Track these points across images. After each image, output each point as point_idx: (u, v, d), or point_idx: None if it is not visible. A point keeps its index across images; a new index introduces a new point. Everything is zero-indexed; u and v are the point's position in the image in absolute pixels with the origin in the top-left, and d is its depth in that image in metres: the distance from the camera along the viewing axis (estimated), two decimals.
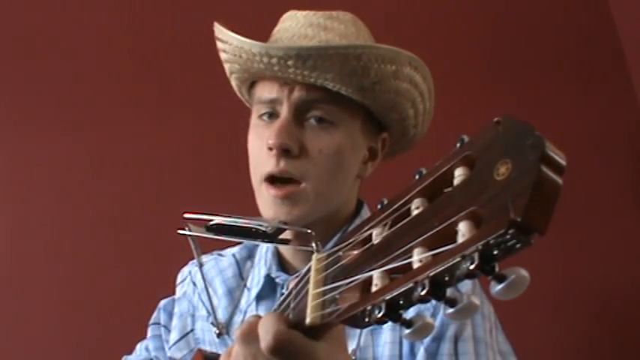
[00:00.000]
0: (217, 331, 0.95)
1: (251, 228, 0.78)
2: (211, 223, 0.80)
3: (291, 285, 0.67)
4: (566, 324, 1.70)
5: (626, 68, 1.87)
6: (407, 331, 0.44)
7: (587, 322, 1.72)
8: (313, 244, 0.69)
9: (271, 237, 0.79)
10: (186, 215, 0.84)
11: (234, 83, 1.00)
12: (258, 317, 0.60)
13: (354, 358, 0.80)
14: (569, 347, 1.69)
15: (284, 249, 0.98)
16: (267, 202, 0.89)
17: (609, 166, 1.81)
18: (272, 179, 0.88)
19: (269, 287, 0.97)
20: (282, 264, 0.98)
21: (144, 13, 1.82)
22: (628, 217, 1.80)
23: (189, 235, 0.84)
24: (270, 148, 0.87)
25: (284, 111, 0.88)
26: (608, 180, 1.80)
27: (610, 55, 1.89)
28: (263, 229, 0.78)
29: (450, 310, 0.41)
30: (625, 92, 1.86)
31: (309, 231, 0.74)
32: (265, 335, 0.56)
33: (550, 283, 1.63)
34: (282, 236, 0.82)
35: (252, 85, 0.96)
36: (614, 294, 1.75)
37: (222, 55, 0.94)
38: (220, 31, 0.91)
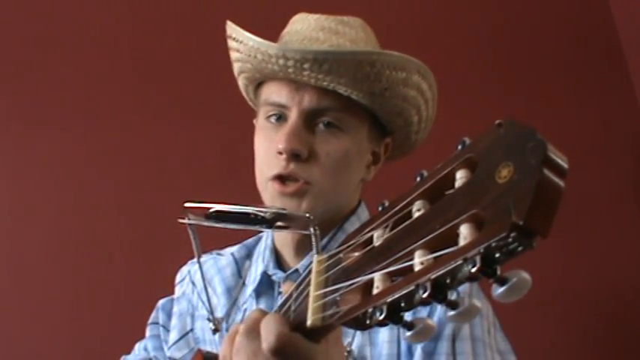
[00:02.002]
0: (213, 327, 0.95)
1: (250, 214, 0.79)
2: (211, 210, 0.81)
3: (285, 287, 0.67)
4: (565, 323, 1.70)
5: (626, 68, 1.87)
6: (408, 333, 0.44)
7: (587, 322, 1.72)
8: (311, 229, 0.69)
9: (270, 222, 0.80)
10: (187, 204, 0.84)
11: (241, 82, 1.00)
12: (263, 313, 0.62)
13: (349, 349, 0.81)
14: (568, 346, 1.69)
15: (282, 246, 0.98)
16: (275, 197, 0.89)
17: (609, 166, 1.81)
18: (279, 178, 0.89)
19: (266, 284, 0.98)
20: (279, 262, 0.98)
21: (145, 13, 1.82)
22: (628, 218, 1.80)
23: (189, 224, 0.84)
24: (280, 153, 0.87)
25: (293, 115, 0.89)
26: (608, 180, 1.80)
27: (610, 55, 1.89)
28: (262, 214, 0.79)
29: (452, 313, 0.41)
30: (625, 92, 1.86)
31: (307, 215, 0.74)
32: (268, 336, 0.58)
33: (550, 283, 1.63)
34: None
35: (258, 84, 0.96)
36: (614, 294, 1.75)
37: (234, 55, 0.94)
38: (235, 30, 0.91)
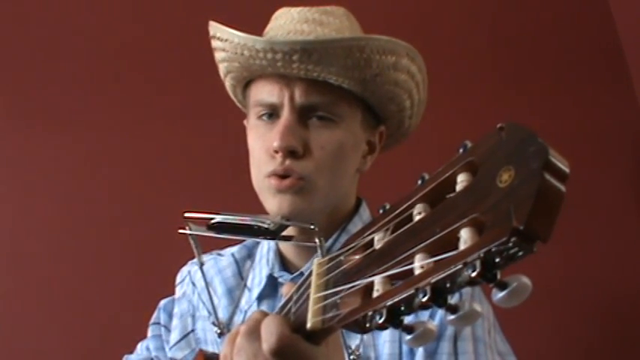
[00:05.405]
0: (219, 331, 0.95)
1: (253, 225, 0.78)
2: (213, 221, 0.80)
3: (285, 289, 0.67)
4: (565, 324, 1.70)
5: (626, 68, 1.87)
6: (408, 337, 0.44)
7: (587, 323, 1.72)
8: (316, 240, 0.69)
9: (274, 234, 0.79)
10: (187, 214, 0.83)
11: (228, 84, 0.99)
12: (264, 314, 0.62)
13: (358, 353, 0.81)
14: (568, 348, 1.69)
15: (286, 248, 0.98)
16: (272, 192, 0.88)
17: (609, 166, 1.81)
18: (276, 175, 0.88)
19: (271, 287, 0.97)
20: (284, 263, 0.98)
21: (146, 13, 1.81)
22: (628, 218, 1.80)
23: (190, 235, 0.84)
24: (276, 151, 0.87)
25: (286, 112, 0.88)
26: (608, 180, 1.80)
27: (610, 56, 1.88)
28: (265, 226, 0.78)
29: (452, 317, 0.41)
30: (625, 92, 1.86)
31: (312, 226, 0.74)
32: (269, 337, 0.58)
33: (550, 284, 1.63)
34: (284, 233, 0.82)
35: (246, 84, 0.96)
36: (614, 295, 1.75)
37: (220, 55, 0.93)
38: (219, 29, 0.90)
